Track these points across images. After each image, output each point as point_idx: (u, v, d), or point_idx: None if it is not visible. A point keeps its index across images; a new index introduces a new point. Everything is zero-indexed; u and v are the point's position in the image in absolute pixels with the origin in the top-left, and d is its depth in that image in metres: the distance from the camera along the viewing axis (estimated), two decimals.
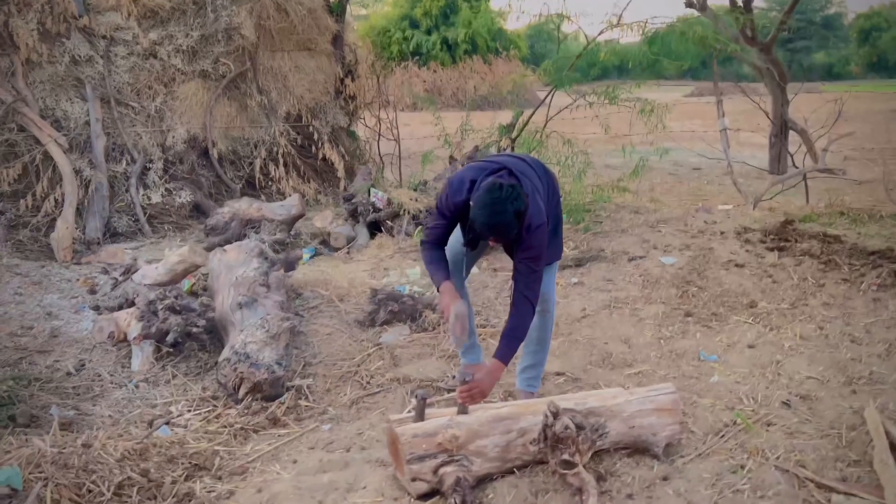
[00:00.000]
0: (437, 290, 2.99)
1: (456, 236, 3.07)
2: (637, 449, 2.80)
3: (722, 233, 5.46)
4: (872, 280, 4.37)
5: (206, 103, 7.27)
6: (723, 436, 2.91)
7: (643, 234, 5.58)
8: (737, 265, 4.80)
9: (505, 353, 2.86)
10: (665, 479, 2.63)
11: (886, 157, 11.74)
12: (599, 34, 6.06)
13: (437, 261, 2.98)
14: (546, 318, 3.17)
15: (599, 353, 3.77)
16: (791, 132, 10.27)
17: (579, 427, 2.65)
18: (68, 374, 3.71)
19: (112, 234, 6.36)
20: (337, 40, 8.50)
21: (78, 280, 5.17)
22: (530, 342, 3.16)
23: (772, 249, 5.03)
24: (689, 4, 10.30)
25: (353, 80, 8.54)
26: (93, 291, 4.95)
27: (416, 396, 2.76)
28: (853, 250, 4.87)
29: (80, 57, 6.58)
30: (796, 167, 7.88)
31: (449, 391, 3.41)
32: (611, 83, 6.67)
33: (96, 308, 4.57)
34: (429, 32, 34.39)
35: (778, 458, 2.71)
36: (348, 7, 8.71)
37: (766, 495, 2.50)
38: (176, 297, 3.93)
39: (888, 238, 5.37)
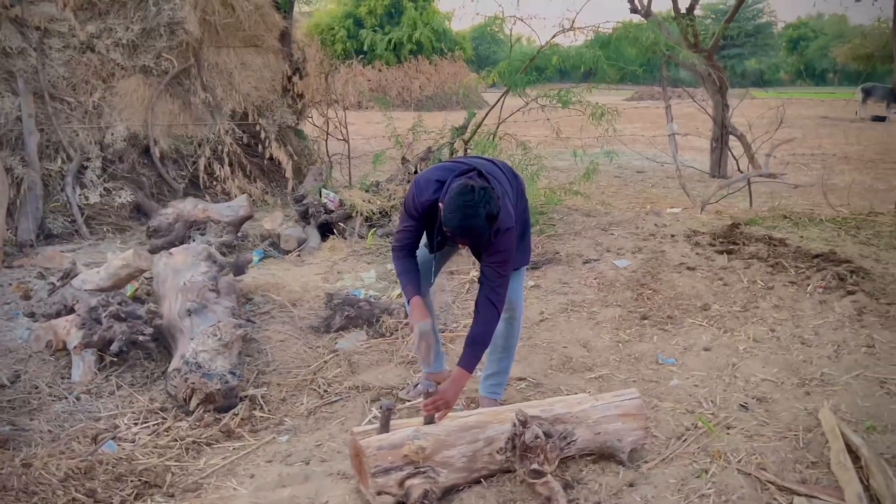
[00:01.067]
0: (407, 303, 2.92)
1: (423, 242, 3.03)
2: (603, 455, 2.79)
3: (672, 236, 5.54)
4: (818, 283, 4.49)
5: (148, 100, 6.99)
6: (685, 440, 2.93)
7: (596, 236, 5.62)
8: (688, 268, 4.87)
9: (469, 361, 2.78)
10: (631, 485, 2.63)
11: (818, 162, 12.24)
12: (553, 37, 6.09)
13: (409, 272, 2.92)
14: (512, 325, 3.12)
15: (559, 357, 3.76)
16: (731, 137, 10.58)
17: (547, 435, 2.62)
18: (2, 386, 3.47)
19: (47, 236, 6.04)
20: (284, 37, 8.30)
21: (10, 285, 4.88)
22: (495, 349, 3.11)
23: (721, 252, 5.12)
24: (633, 10, 10.49)
25: (301, 78, 8.35)
26: (27, 297, 4.67)
27: (380, 407, 2.68)
28: (798, 253, 5.01)
29: (11, 49, 6.22)
30: (741, 171, 8.08)
31: (408, 400, 3.34)
32: (558, 86, 6.72)
33: (31, 315, 4.31)
34: (374, 31, 34.15)
35: (740, 461, 2.74)
36: (295, 4, 8.50)
37: (730, 499, 2.52)
38: (120, 304, 3.74)
39: (828, 241, 5.56)
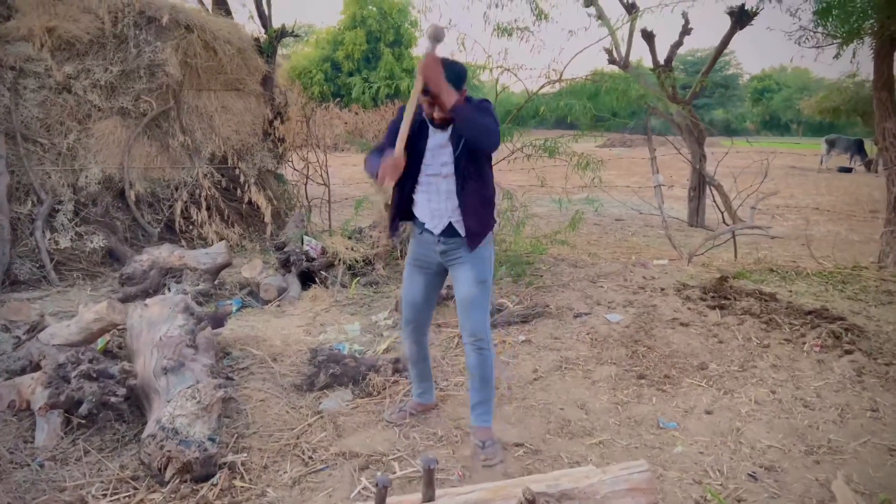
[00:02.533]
0: (374, 175, 3.02)
1: (411, 290, 3.32)
2: None
3: (662, 289, 5.46)
4: (814, 341, 4.41)
5: (125, 142, 6.79)
6: None
7: (585, 288, 5.51)
8: (682, 324, 4.77)
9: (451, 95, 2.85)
10: None
11: (794, 213, 12.41)
12: (541, 88, 6.07)
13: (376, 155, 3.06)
14: (483, 354, 3.19)
15: (557, 420, 3.59)
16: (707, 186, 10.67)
17: None
18: None
19: (13, 283, 5.75)
20: (266, 81, 8.20)
21: None
22: (473, 380, 3.23)
23: (713, 308, 5.04)
24: (612, 61, 10.64)
25: (282, 122, 8.23)
26: None
27: (375, 483, 2.48)
28: (790, 309, 4.95)
29: None
30: (725, 223, 8.10)
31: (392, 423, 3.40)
32: (536, 134, 6.70)
33: None
34: (350, 75, 34.42)
35: None
36: (278, 48, 8.43)
37: None
38: (91, 361, 3.50)
39: (818, 296, 5.53)
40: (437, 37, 2.85)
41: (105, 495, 2.92)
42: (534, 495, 2.41)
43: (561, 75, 5.87)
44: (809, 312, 4.87)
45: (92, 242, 6.27)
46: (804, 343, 4.43)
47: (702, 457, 3.23)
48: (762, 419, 3.58)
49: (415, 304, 3.37)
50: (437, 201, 3.12)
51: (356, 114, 30.47)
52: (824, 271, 6.31)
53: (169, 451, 2.93)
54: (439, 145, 3.05)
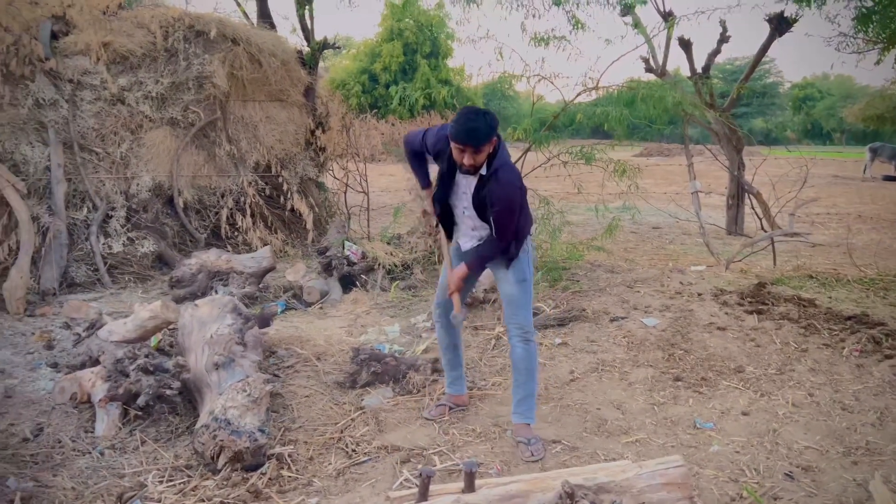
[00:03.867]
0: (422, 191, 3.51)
1: (446, 273, 3.46)
2: None
3: (699, 294, 5.47)
4: (853, 346, 4.40)
5: (174, 151, 7.07)
6: None
7: (622, 293, 5.56)
8: (718, 328, 4.79)
9: (473, 263, 3.30)
10: None
11: (835, 221, 12.22)
12: (577, 96, 6.15)
13: (443, 218, 3.42)
14: (529, 346, 3.35)
15: (593, 419, 3.66)
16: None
17: None
18: (25, 439, 3.40)
19: (69, 285, 6.03)
20: (309, 92, 8.43)
21: (33, 334, 4.84)
22: (518, 373, 3.37)
23: (750, 312, 5.05)
24: (649, 70, 10.65)
25: (324, 131, 8.45)
26: (49, 347, 4.64)
27: (419, 473, 2.59)
28: (829, 315, 4.94)
29: (44, 100, 6.33)
30: (764, 230, 8.05)
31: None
32: (572, 142, 6.78)
33: (54, 365, 4.27)
34: (387, 87, 34.87)
35: None
36: (321, 60, 8.67)
37: None
38: (147, 356, 3.68)
39: (858, 303, 5.48)
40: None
41: (161, 482, 3.08)
42: (572, 487, 2.49)
43: (597, 83, 5.95)
44: (849, 318, 4.85)
45: (143, 247, 6.53)
46: (843, 348, 4.42)
47: (738, 456, 3.27)
48: (799, 421, 3.60)
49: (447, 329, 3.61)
50: (464, 229, 3.40)
51: (392, 125, 30.86)
52: (865, 278, 6.24)
53: (221, 440, 3.08)
54: (463, 190, 3.24)
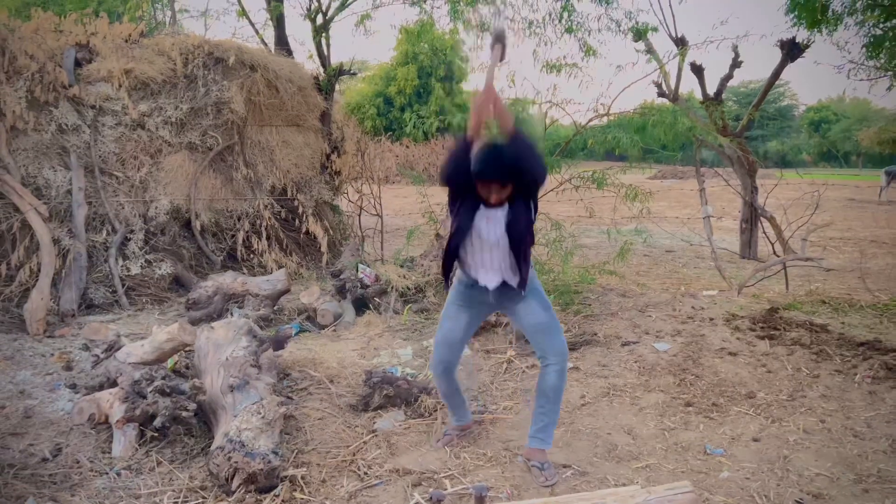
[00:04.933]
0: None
1: (453, 327, 3.38)
2: None
3: (711, 319, 5.48)
4: (865, 372, 4.40)
5: (192, 175, 7.21)
6: None
7: (633, 318, 5.58)
8: (730, 353, 4.80)
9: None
10: None
11: (850, 245, 12.16)
12: (589, 122, 6.23)
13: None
14: (564, 375, 3.32)
15: (604, 444, 3.68)
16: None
17: None
18: (44, 459, 3.47)
19: (88, 306, 6.14)
20: (325, 117, 8.58)
21: (52, 356, 4.94)
22: (546, 400, 3.33)
23: (762, 338, 5.06)
24: (661, 94, 10.73)
25: (339, 155, 8.58)
26: (68, 368, 4.73)
27: (430, 498, 2.63)
28: (842, 340, 4.93)
29: (66, 126, 6.50)
30: (776, 254, 8.05)
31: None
32: (584, 166, 6.84)
33: (73, 386, 4.35)
34: (402, 110, 35.23)
35: None
36: (337, 85, 8.83)
37: None
38: (164, 378, 3.75)
39: (871, 328, 5.46)
40: (500, 37, 3.02)
41: (177, 503, 3.13)
42: None
43: (608, 109, 6.03)
44: (862, 344, 4.84)
45: (160, 269, 6.64)
46: (855, 374, 4.41)
47: (748, 482, 3.27)
48: (811, 447, 3.60)
49: (451, 343, 3.44)
50: (489, 264, 3.24)
51: (407, 147, 31.15)
52: (879, 304, 6.22)
53: (236, 462, 3.13)
54: (495, 220, 3.13)
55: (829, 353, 4.72)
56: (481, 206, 3.14)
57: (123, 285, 6.41)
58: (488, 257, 3.23)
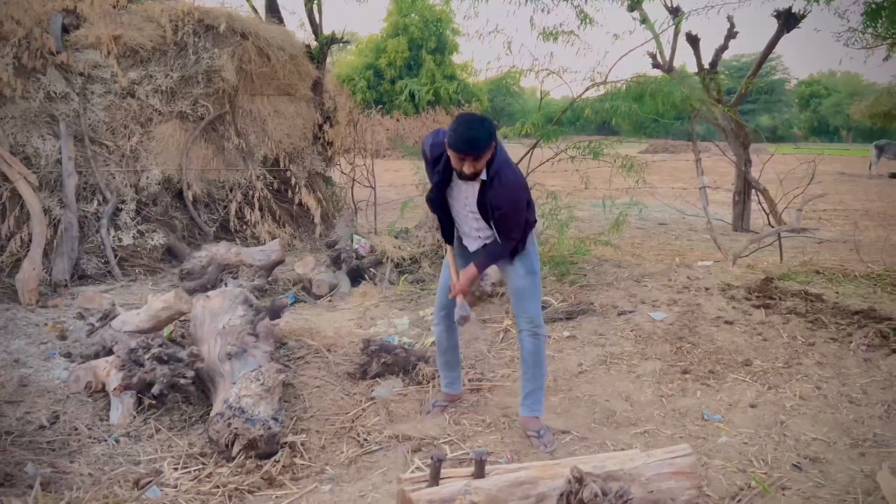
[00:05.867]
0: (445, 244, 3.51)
1: (448, 274, 3.46)
2: None
3: (706, 289, 5.50)
4: (861, 340, 4.42)
5: (183, 145, 7.10)
6: (739, 500, 2.86)
7: (629, 288, 5.58)
8: (726, 322, 4.82)
9: (481, 264, 3.35)
10: None
11: (842, 217, 12.21)
12: (585, 91, 6.17)
13: (442, 222, 3.45)
14: (538, 340, 3.38)
15: (602, 410, 3.69)
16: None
17: (603, 493, 2.55)
18: (41, 427, 3.45)
19: (80, 277, 6.08)
20: (317, 86, 8.46)
21: (46, 325, 4.89)
22: (527, 366, 3.43)
23: (758, 307, 5.07)
24: (656, 65, 10.66)
25: (331, 126, 8.49)
26: (63, 337, 4.70)
27: (431, 457, 2.63)
28: (836, 309, 4.95)
29: (55, 93, 6.36)
30: (771, 226, 8.07)
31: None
32: (577, 138, 6.79)
33: (68, 355, 4.32)
34: (392, 82, 34.92)
35: None
36: (329, 54, 8.70)
37: None
38: (161, 346, 3.73)
39: (865, 298, 5.49)
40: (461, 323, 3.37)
41: (176, 469, 3.12)
42: (581, 473, 2.53)
43: (605, 78, 5.97)
44: (856, 312, 4.86)
45: (153, 240, 6.58)
46: (851, 342, 4.44)
47: (746, 447, 3.30)
48: (807, 413, 3.63)
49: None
50: (468, 230, 3.39)
51: (398, 120, 30.92)
52: (872, 274, 6.25)
53: (236, 428, 3.12)
54: (465, 194, 3.23)
55: (824, 321, 4.74)
56: (451, 179, 3.23)
57: (116, 256, 6.35)
58: (466, 225, 3.38)
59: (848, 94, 47.19)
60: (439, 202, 3.33)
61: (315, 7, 8.66)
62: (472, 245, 3.44)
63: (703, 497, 2.82)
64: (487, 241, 3.36)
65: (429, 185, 3.40)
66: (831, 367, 4.16)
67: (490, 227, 3.24)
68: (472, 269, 3.32)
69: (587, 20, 6.61)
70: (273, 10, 8.67)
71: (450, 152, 3.02)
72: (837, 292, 5.62)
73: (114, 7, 7.04)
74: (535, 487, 2.60)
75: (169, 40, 7.05)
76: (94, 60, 6.62)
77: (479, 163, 3.01)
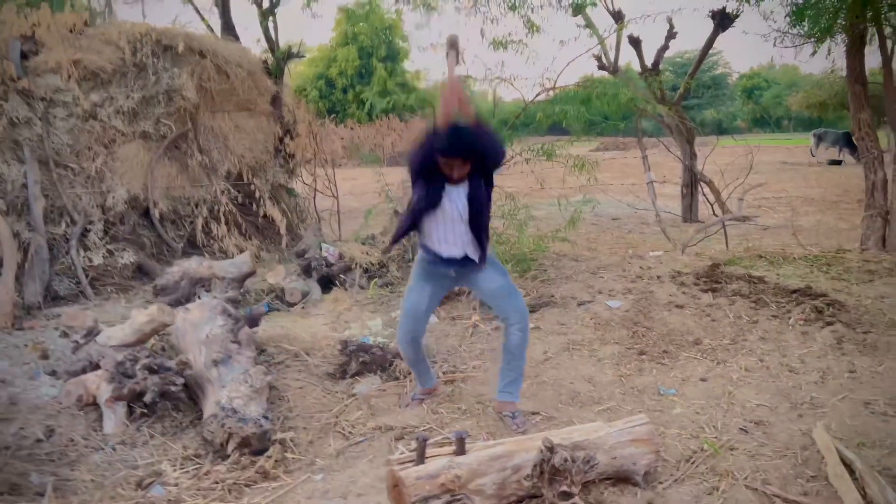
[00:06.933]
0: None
1: (419, 299, 3.61)
2: (619, 478, 3.01)
3: (658, 277, 5.87)
4: (798, 315, 4.83)
5: (147, 164, 7.22)
6: (693, 462, 3.18)
7: (587, 280, 5.93)
8: (677, 306, 5.19)
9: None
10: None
11: (784, 205, 12.84)
12: (537, 96, 6.51)
13: (407, 228, 3.61)
14: (525, 334, 3.59)
15: (567, 392, 4.00)
16: (700, 183, 11.11)
17: (572, 460, 2.85)
18: (38, 440, 3.59)
19: (53, 298, 6.16)
20: (276, 100, 8.65)
21: (26, 346, 4.99)
22: (512, 357, 3.60)
23: (706, 291, 5.46)
24: (601, 67, 11.11)
25: (292, 138, 8.68)
26: (45, 356, 4.80)
27: (416, 438, 2.89)
28: (777, 289, 5.37)
29: (17, 119, 6.43)
30: (716, 216, 8.54)
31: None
32: (529, 140, 7.13)
33: (53, 373, 4.44)
34: (344, 91, 35.01)
35: (746, 478, 2.99)
36: (286, 69, 8.89)
37: None
38: (149, 357, 3.91)
39: (803, 278, 5.94)
40: (453, 44, 3.42)
41: (175, 469, 3.31)
42: (552, 444, 2.82)
43: (555, 83, 6.32)
44: (794, 291, 5.29)
45: (123, 258, 6.68)
46: (789, 318, 4.85)
47: (698, 416, 3.64)
48: (752, 383, 3.99)
49: (417, 314, 3.64)
50: (452, 238, 3.49)
51: (352, 129, 31.03)
52: (810, 255, 6.73)
53: (230, 427, 3.33)
54: (454, 196, 3.42)
55: (765, 300, 5.15)
56: (444, 184, 3.42)
57: (87, 276, 6.44)
58: (451, 232, 3.48)
59: (787, 86, 48.92)
60: (431, 210, 3.43)
61: (270, 23, 8.84)
62: (455, 254, 3.51)
63: (660, 461, 3.14)
64: (468, 252, 3.49)
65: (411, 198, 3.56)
66: (773, 342, 4.55)
67: (473, 231, 3.44)
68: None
69: (534, 28, 6.97)
70: (228, 28, 8.84)
71: (440, 158, 3.27)
72: (778, 274, 6.06)
73: (70, 31, 7.12)
74: (511, 460, 2.89)
75: (128, 62, 7.17)
76: (55, 85, 6.71)
77: (466, 166, 3.29)
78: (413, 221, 3.52)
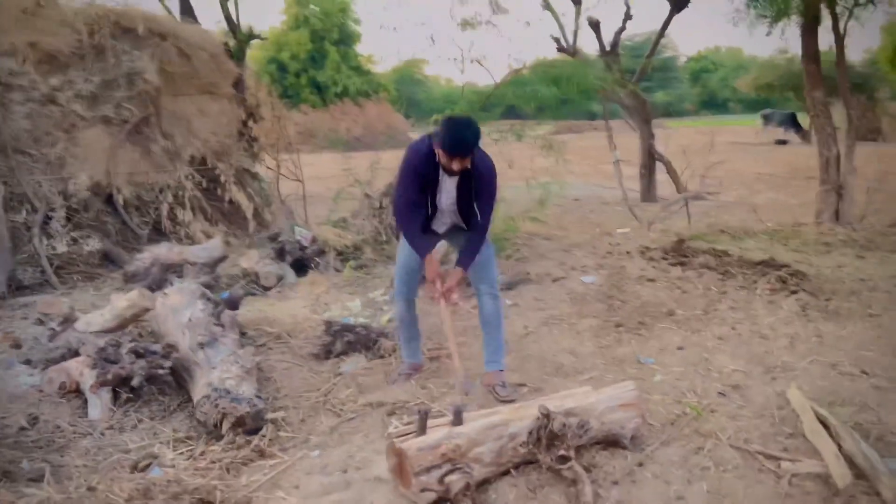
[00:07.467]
0: (423, 260, 3.63)
1: (406, 249, 3.73)
2: (609, 442, 3.13)
3: (628, 252, 6.04)
4: (765, 286, 5.04)
5: (109, 149, 7.05)
6: (677, 425, 3.32)
7: (560, 257, 6.05)
8: (648, 280, 5.35)
9: (464, 261, 3.63)
10: (640, 465, 2.97)
11: (738, 183, 13.23)
12: (507, 76, 6.57)
13: (417, 234, 3.63)
14: (497, 301, 3.78)
15: (551, 364, 4.11)
16: (657, 163, 11.38)
17: (567, 425, 2.95)
18: (23, 428, 3.53)
19: (17, 288, 5.99)
20: (238, 84, 8.52)
21: None
22: (489, 326, 3.79)
23: (674, 265, 5.64)
24: (560, 49, 11.24)
25: (255, 122, 8.57)
26: (17, 346, 4.69)
27: (417, 411, 2.95)
28: (742, 261, 5.59)
29: None
30: (680, 194, 8.77)
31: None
32: (495, 124, 7.22)
33: (28, 362, 4.34)
34: (297, 75, 34.53)
35: (728, 438, 3.14)
36: (247, 51, 8.75)
37: (727, 469, 2.91)
38: (133, 342, 3.86)
39: (765, 250, 6.18)
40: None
41: (170, 451, 3.30)
42: (548, 410, 2.91)
43: (524, 66, 6.40)
44: (759, 263, 5.51)
45: (88, 245, 6.53)
46: (756, 288, 5.06)
47: (678, 382, 3.78)
48: (726, 350, 4.17)
49: (410, 269, 3.83)
50: (443, 219, 3.73)
51: (305, 114, 30.66)
52: (768, 230, 6.99)
53: (224, 408, 3.33)
54: (447, 188, 3.57)
55: (732, 272, 5.35)
56: (442, 178, 3.53)
57: (52, 264, 6.28)
58: (443, 218, 3.72)
59: (733, 68, 50.05)
60: (425, 202, 3.59)
61: (231, 5, 8.69)
62: (441, 228, 3.77)
63: (646, 425, 3.26)
64: (456, 222, 3.71)
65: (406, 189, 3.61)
66: (742, 311, 4.74)
67: (459, 217, 3.62)
68: (458, 270, 3.62)
69: (498, 8, 7.03)
70: (186, 10, 8.65)
71: (442, 153, 3.33)
72: (741, 247, 6.28)
73: (23, 12, 6.87)
74: (507, 428, 2.97)
75: (86, 44, 6.97)
76: (10, 68, 6.49)
77: (467, 160, 3.37)
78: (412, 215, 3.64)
